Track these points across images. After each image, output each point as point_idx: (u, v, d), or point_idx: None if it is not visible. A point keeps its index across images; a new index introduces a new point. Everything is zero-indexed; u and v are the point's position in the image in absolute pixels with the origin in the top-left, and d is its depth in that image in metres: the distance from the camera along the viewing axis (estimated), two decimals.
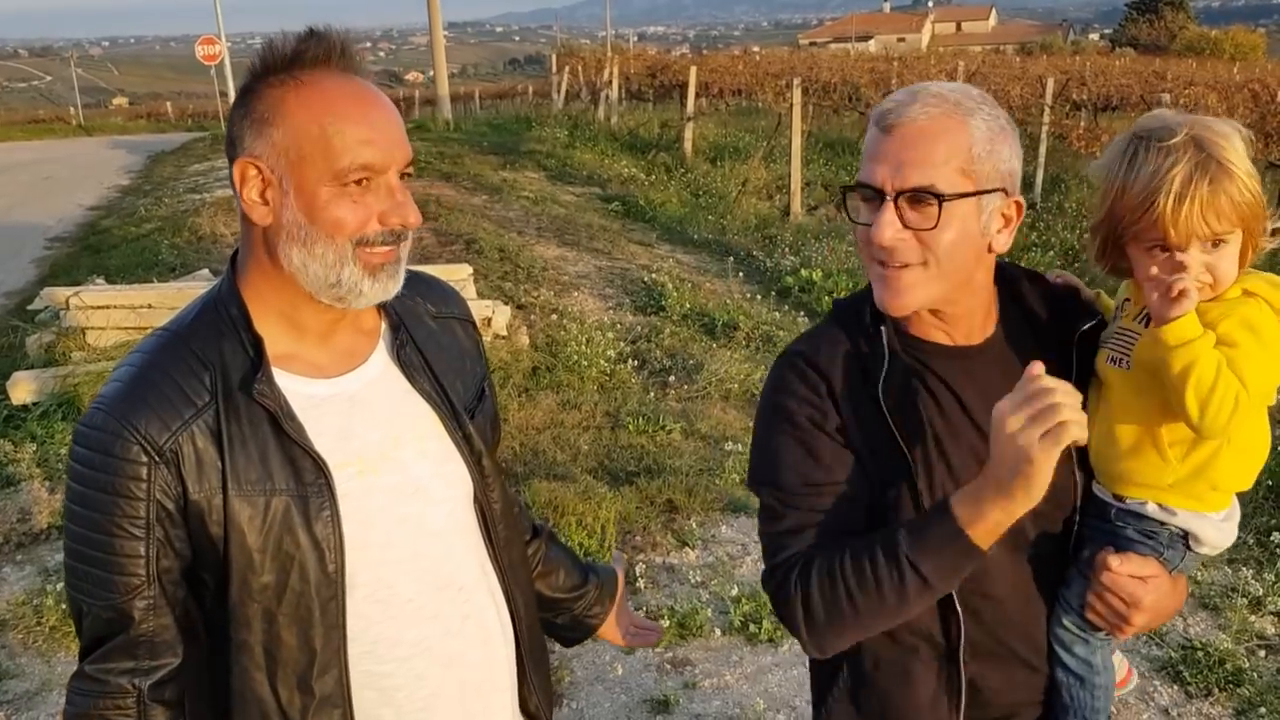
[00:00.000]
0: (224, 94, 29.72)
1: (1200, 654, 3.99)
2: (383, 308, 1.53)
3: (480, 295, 8.07)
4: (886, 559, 1.43)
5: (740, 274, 9.87)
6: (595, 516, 4.74)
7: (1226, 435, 1.39)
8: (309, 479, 1.38)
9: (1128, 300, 1.53)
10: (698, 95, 18.08)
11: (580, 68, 25.96)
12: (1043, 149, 14.50)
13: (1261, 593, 4.37)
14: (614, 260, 10.47)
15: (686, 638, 4.12)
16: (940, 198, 1.39)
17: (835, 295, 7.69)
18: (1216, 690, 3.82)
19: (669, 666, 3.94)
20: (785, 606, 1.53)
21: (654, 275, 9.51)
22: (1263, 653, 4.06)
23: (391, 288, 1.44)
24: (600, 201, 13.85)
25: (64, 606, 4.20)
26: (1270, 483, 5.25)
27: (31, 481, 5.28)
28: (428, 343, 1.59)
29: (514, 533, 1.68)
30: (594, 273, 9.95)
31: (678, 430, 6.11)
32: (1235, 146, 1.37)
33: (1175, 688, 3.87)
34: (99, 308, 6.93)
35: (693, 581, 4.51)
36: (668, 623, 4.12)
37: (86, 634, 1.39)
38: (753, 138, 17.69)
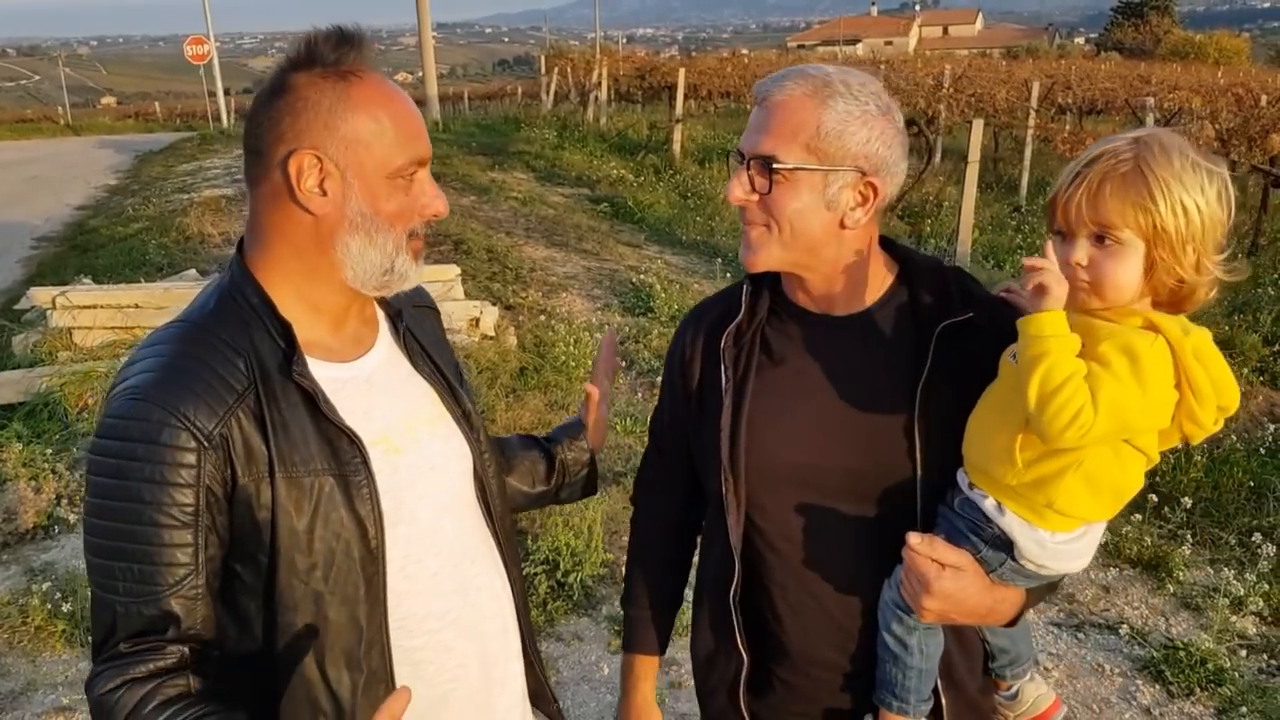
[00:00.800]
0: (212, 94, 29.64)
1: (1182, 654, 4.02)
2: (381, 298, 1.59)
3: (468, 296, 8.07)
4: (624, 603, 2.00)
5: (728, 275, 9.87)
6: (582, 517, 4.75)
7: (1077, 459, 1.38)
8: (346, 458, 1.42)
9: None
10: (686, 97, 18.11)
11: (569, 69, 25.94)
12: (1028, 152, 14.57)
13: (1243, 593, 4.41)
14: (602, 261, 10.48)
15: (672, 637, 4.11)
16: (773, 167, 1.52)
17: None
18: (1198, 690, 3.85)
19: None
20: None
21: (642, 276, 9.52)
22: (1244, 652, 4.10)
23: (421, 273, 1.52)
24: (589, 202, 13.85)
25: (49, 606, 4.20)
26: (1252, 484, 5.30)
27: (17, 481, 5.26)
28: (419, 329, 1.67)
29: (506, 506, 1.75)
30: (582, 273, 9.95)
31: None
32: (1172, 163, 1.34)
33: (1157, 687, 3.90)
34: (85, 307, 6.91)
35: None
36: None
37: (120, 632, 1.34)
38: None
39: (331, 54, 1.40)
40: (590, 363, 7.03)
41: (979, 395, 1.51)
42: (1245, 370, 6.86)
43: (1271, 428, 6.06)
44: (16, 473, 5.35)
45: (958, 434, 1.53)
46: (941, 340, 1.55)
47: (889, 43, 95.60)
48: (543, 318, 8.21)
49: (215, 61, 28.70)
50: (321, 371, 1.45)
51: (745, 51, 43.84)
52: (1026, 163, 14.47)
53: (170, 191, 14.42)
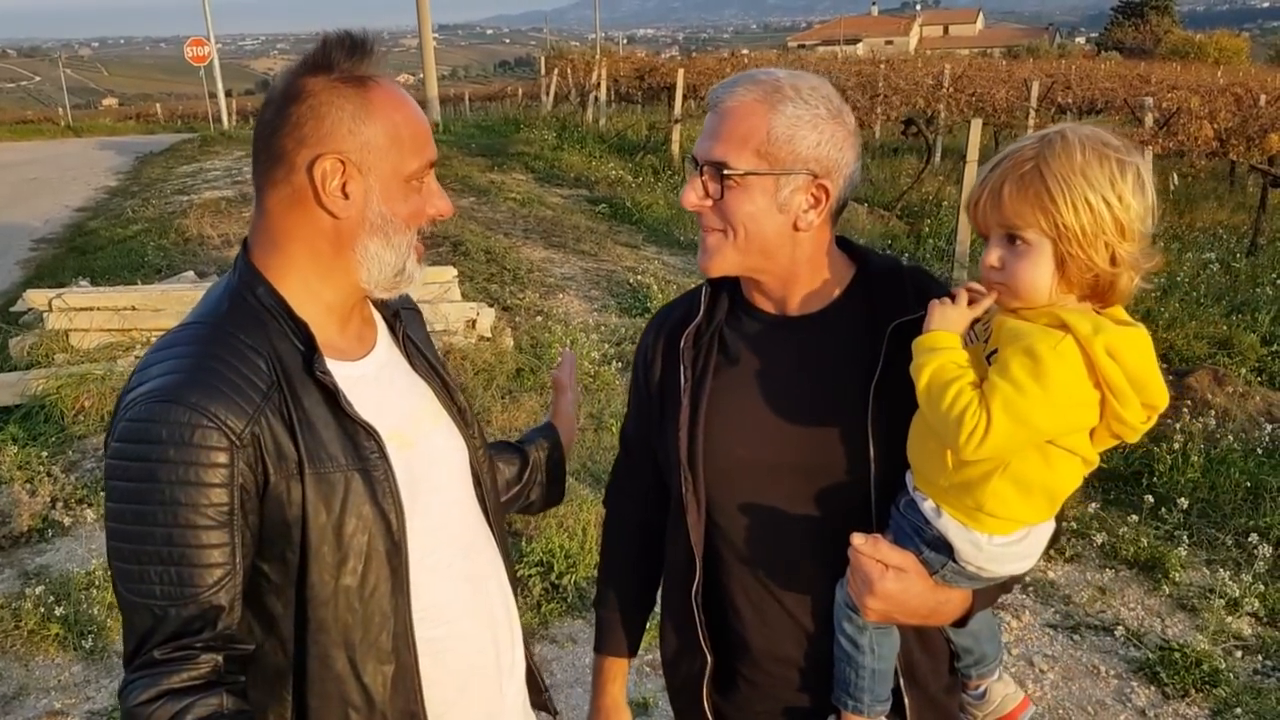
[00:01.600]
0: (213, 95, 29.63)
1: (1177, 655, 4.01)
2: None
3: (467, 297, 8.06)
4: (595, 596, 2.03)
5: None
6: (576, 519, 4.74)
7: (1001, 462, 1.38)
8: (366, 452, 1.45)
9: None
10: (686, 97, 18.09)
11: (569, 70, 25.95)
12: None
13: (1239, 594, 4.40)
14: (600, 262, 10.48)
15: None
16: (725, 173, 1.54)
17: None
18: (1193, 691, 3.84)
19: (648, 669, 3.94)
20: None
21: (639, 277, 9.52)
22: (1239, 653, 4.09)
23: (423, 274, 1.57)
24: (587, 203, 13.85)
25: (42, 610, 4.19)
26: (1249, 484, 5.29)
27: (12, 484, 5.26)
28: (411, 329, 1.71)
29: (498, 500, 1.80)
30: (580, 274, 9.95)
31: None
32: (1073, 159, 1.33)
33: (1152, 688, 3.89)
34: (82, 310, 6.91)
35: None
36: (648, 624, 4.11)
37: (157, 636, 1.32)
38: None
39: (346, 60, 1.43)
40: (585, 363, 7.02)
41: None
42: (1243, 370, 6.85)
43: (1269, 428, 6.04)
44: (11, 475, 5.35)
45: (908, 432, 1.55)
46: (894, 339, 1.56)
47: (889, 42, 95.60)
48: (540, 319, 8.21)
49: (216, 63, 28.69)
50: (334, 370, 1.47)
51: (745, 52, 43.84)
52: None
53: (170, 193, 14.42)
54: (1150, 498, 5.13)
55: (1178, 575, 4.62)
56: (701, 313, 1.72)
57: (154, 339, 6.64)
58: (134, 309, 6.93)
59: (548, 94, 24.85)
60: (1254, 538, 4.77)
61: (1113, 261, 1.36)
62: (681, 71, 18.14)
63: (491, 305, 8.15)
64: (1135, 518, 5.04)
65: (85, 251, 11.16)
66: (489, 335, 7.43)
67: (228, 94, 31.27)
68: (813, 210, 1.57)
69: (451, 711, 1.58)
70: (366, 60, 1.45)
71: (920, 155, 14.64)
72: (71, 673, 3.99)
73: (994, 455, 1.36)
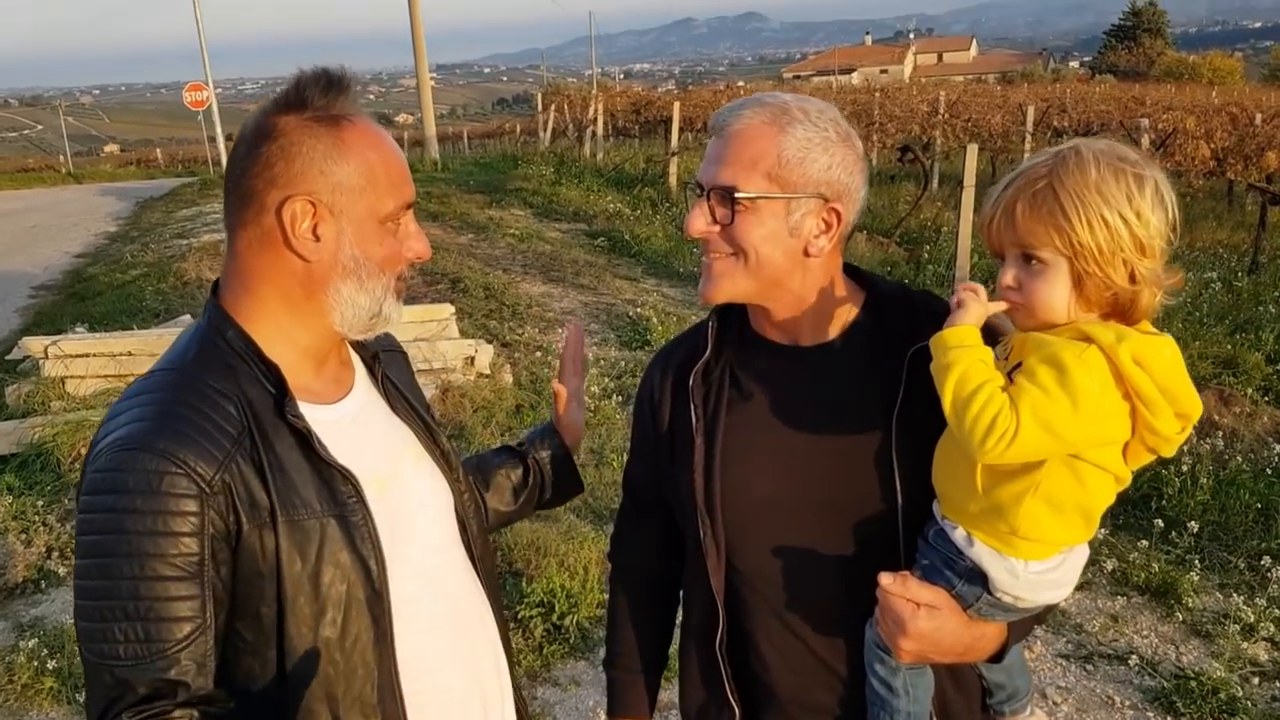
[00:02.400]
0: (212, 139, 29.81)
1: (1193, 683, 3.92)
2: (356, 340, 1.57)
3: (466, 334, 8.03)
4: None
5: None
6: (577, 557, 4.67)
7: (1033, 481, 1.33)
8: (342, 497, 1.39)
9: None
10: (682, 130, 18.15)
11: (566, 105, 26.09)
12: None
13: (1254, 619, 4.32)
14: (599, 296, 10.46)
15: (671, 679, 4.02)
16: (735, 198, 1.49)
17: None
18: None
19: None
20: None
21: (639, 310, 9.49)
22: (1256, 680, 4.00)
23: (402, 314, 1.51)
24: (586, 237, 13.85)
25: (36, 664, 4.12)
26: (1259, 506, 5.21)
27: (6, 535, 5.20)
28: (394, 371, 1.67)
29: (487, 546, 1.73)
30: (579, 309, 9.92)
31: None
32: (1087, 176, 1.30)
33: (1169, 718, 3.80)
34: (78, 356, 6.88)
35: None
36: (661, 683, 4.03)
37: (126, 699, 1.24)
38: None
39: (321, 98, 1.39)
40: (585, 398, 6.95)
41: None
42: (1249, 390, 6.78)
43: (1278, 448, 5.97)
44: (6, 525, 5.30)
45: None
46: (913, 365, 1.51)
47: (884, 71, 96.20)
48: (539, 354, 8.17)
49: (215, 107, 28.88)
50: (308, 413, 1.42)
51: (741, 84, 44.10)
52: None
53: (169, 237, 14.45)
54: (1160, 521, 5.05)
55: (1190, 601, 4.54)
56: (710, 347, 1.65)
57: None
58: (130, 354, 6.89)
59: (545, 130, 24.97)
60: (1266, 560, 4.69)
61: (1132, 279, 1.32)
62: (678, 104, 18.21)
63: (490, 341, 8.12)
64: (1145, 542, 4.96)
65: (84, 297, 11.16)
66: (488, 372, 7.39)
67: (227, 138, 31.40)
68: (824, 235, 1.53)
69: None
70: (342, 98, 1.40)
71: (918, 182, 14.64)
72: None
73: (1017, 460, 1.31)
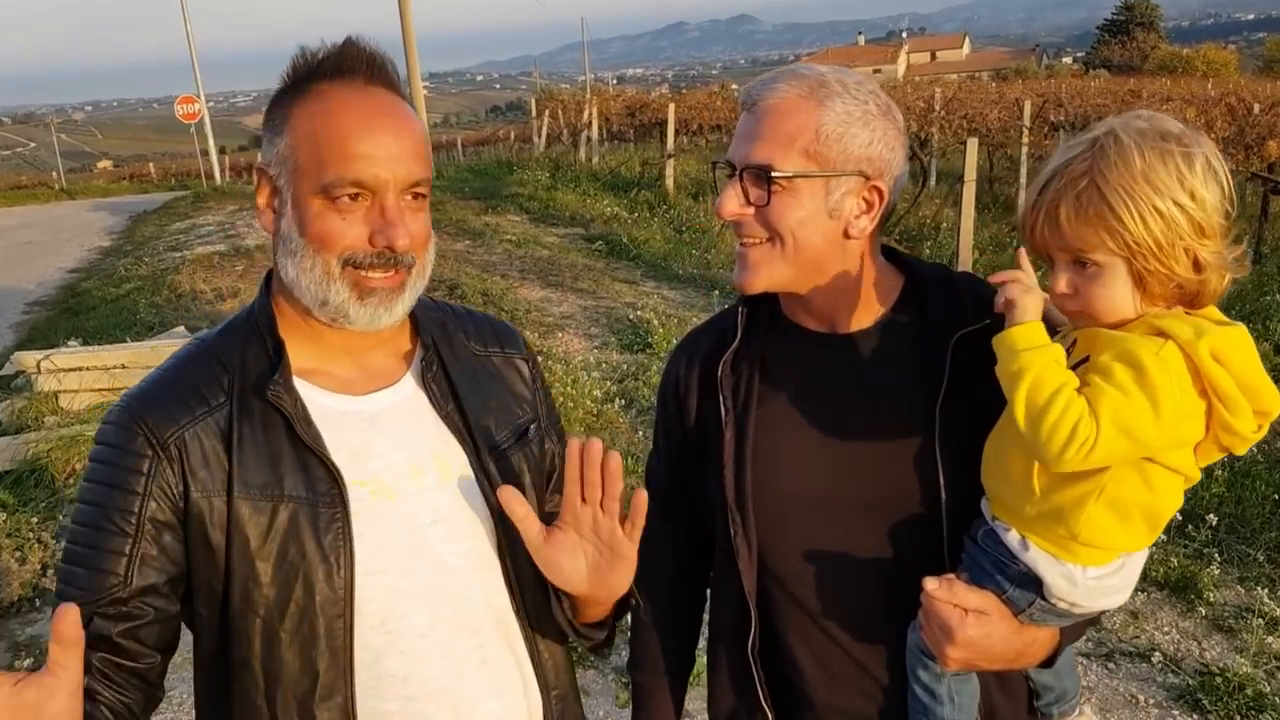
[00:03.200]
0: (205, 152, 29.75)
1: (1219, 680, 3.83)
2: (418, 333, 1.50)
3: None
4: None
5: (726, 307, 9.74)
6: None
7: (1097, 485, 1.24)
8: (321, 488, 1.33)
9: None
10: (677, 132, 18.11)
11: (560, 111, 26.04)
12: (1023, 170, 14.51)
13: (1277, 612, 4.23)
14: (599, 300, 10.38)
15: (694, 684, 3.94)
16: (771, 176, 1.39)
17: None
18: (1238, 717, 3.67)
19: None
20: None
21: (639, 313, 9.40)
22: None
23: (384, 316, 1.37)
24: (583, 241, 13.79)
25: None
26: (1276, 497, 5.13)
27: (0, 553, 5.10)
28: (461, 374, 1.51)
29: (542, 587, 1.46)
30: (579, 313, 9.84)
31: None
32: (1132, 166, 1.19)
33: (1195, 717, 3.72)
34: (71, 370, 6.80)
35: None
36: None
37: None
38: None
39: (299, 75, 1.38)
40: (587, 402, 6.87)
41: (1002, 410, 1.34)
42: None
43: None
44: (0, 543, 5.19)
45: (981, 454, 1.39)
46: (958, 352, 1.42)
47: (878, 70, 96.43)
48: (540, 358, 8.06)
49: (207, 119, 28.84)
50: (316, 398, 1.37)
51: (735, 86, 44.09)
52: (1022, 181, 14.37)
53: (163, 250, 14.38)
54: (1177, 515, 4.96)
55: (1211, 595, 4.45)
56: (739, 335, 1.55)
57: None
58: (124, 367, 6.81)
59: (539, 135, 24.91)
60: None
61: (1196, 266, 1.21)
62: (672, 107, 18.16)
63: None
64: (1163, 536, 4.87)
65: (78, 312, 11.09)
66: None
67: (220, 150, 31.44)
68: (865, 215, 1.43)
69: None
70: (318, 71, 1.36)
71: (915, 179, 14.59)
72: None
73: (1093, 466, 1.21)
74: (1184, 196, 1.19)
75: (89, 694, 1.22)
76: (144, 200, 25.25)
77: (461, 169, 25.26)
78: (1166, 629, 4.29)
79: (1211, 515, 4.90)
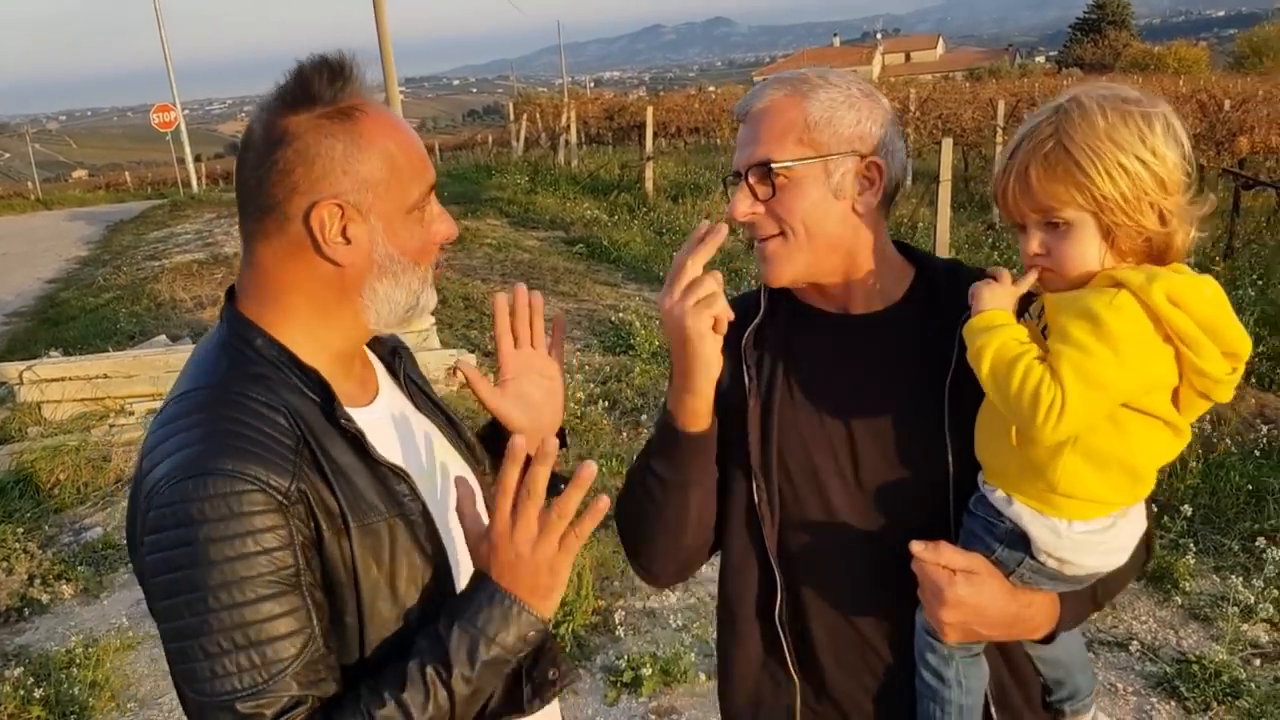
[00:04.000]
0: (181, 160, 29.60)
1: (1195, 667, 3.91)
2: (376, 338, 1.52)
3: (446, 344, 7.97)
4: (639, 468, 1.61)
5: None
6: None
7: (1066, 437, 1.29)
8: (400, 496, 1.34)
9: None
10: (656, 135, 18.16)
11: (538, 115, 26.06)
12: (998, 169, 14.56)
13: (1252, 600, 4.30)
14: (580, 302, 10.42)
15: (671, 684, 3.99)
16: (771, 168, 1.47)
17: None
18: (1215, 704, 3.74)
19: (653, 717, 3.81)
20: (617, 521, 1.70)
21: (621, 315, 9.45)
22: (1258, 661, 3.99)
23: (434, 300, 1.45)
24: (564, 245, 13.82)
25: (22, 693, 4.03)
26: (1250, 487, 5.22)
27: None
28: (411, 367, 1.60)
29: None
30: (561, 315, 9.85)
31: None
32: (1096, 125, 1.27)
33: (1173, 704, 3.78)
34: (53, 380, 6.78)
35: (675, 625, 4.39)
36: (650, 671, 3.99)
37: None
38: (712, 174, 17.76)
39: (328, 91, 1.30)
40: (570, 404, 6.89)
41: None
42: None
43: (1265, 429, 5.98)
44: None
45: None
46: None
47: (853, 71, 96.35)
48: None
49: (183, 128, 28.72)
50: (354, 416, 1.37)
51: (712, 88, 44.21)
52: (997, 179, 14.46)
53: (141, 259, 14.33)
54: (1152, 505, 5.03)
55: (1187, 584, 4.53)
56: (762, 312, 1.62)
57: (129, 406, 6.46)
58: (106, 377, 6.80)
59: (518, 139, 24.93)
60: (1260, 541, 4.68)
61: (1162, 220, 1.29)
62: (650, 109, 18.23)
63: (472, 351, 8.05)
64: None
65: (57, 322, 11.05)
66: None
67: (196, 159, 31.28)
68: (869, 191, 1.50)
69: None
70: (349, 86, 1.31)
71: None
72: None
73: (1077, 429, 1.27)
74: (1146, 153, 1.27)
75: None
76: (121, 209, 25.09)
77: (440, 174, 25.13)
78: (1144, 618, 4.36)
79: (1186, 506, 4.98)
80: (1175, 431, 1.32)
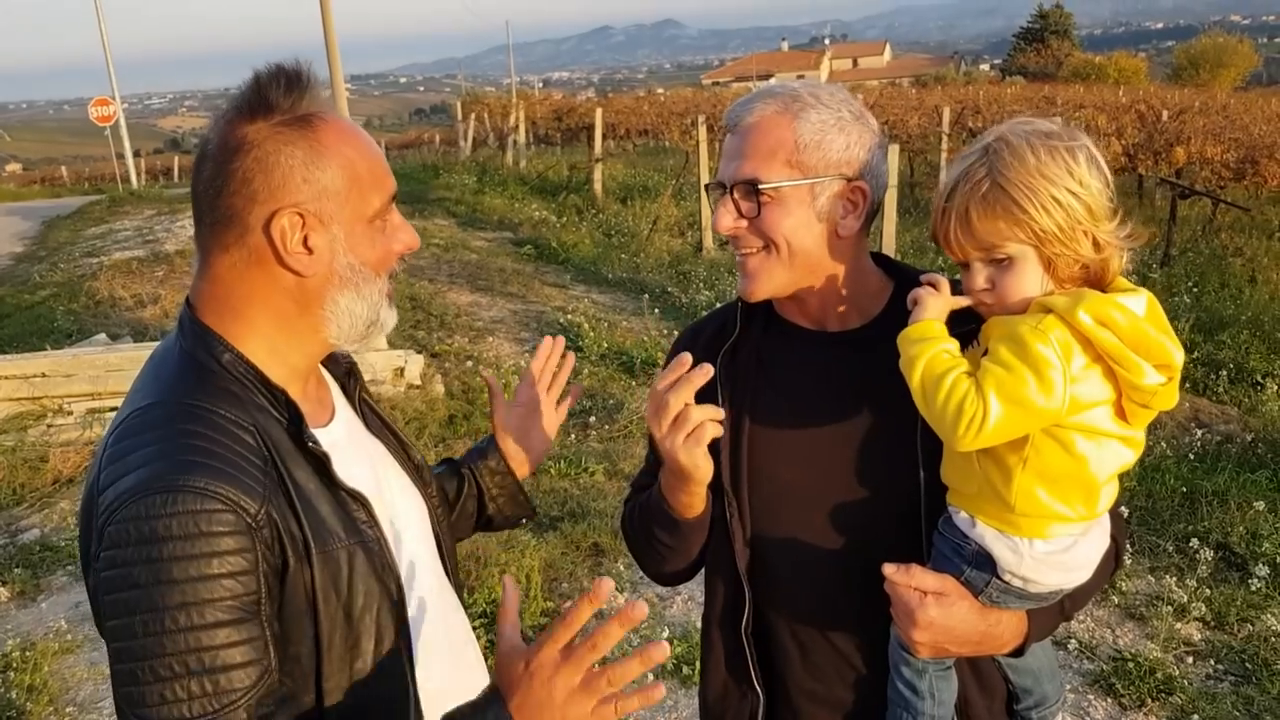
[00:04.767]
0: (120, 155, 29.03)
1: (1131, 665, 4.00)
2: (331, 357, 1.51)
3: (392, 345, 7.90)
4: (640, 528, 1.69)
5: (656, 311, 9.84)
6: (519, 566, 4.61)
7: (1020, 457, 1.34)
8: (359, 524, 1.33)
9: None
10: (605, 137, 18.17)
11: (486, 114, 25.93)
12: (943, 176, 14.80)
13: (1185, 599, 4.42)
14: (528, 304, 10.39)
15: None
16: (759, 188, 1.49)
17: None
18: (1149, 700, 3.83)
19: None
20: (626, 541, 1.80)
21: (569, 316, 9.44)
22: (1191, 659, 4.10)
23: (394, 317, 1.43)
24: (512, 246, 13.77)
25: None
26: (1184, 490, 5.35)
27: None
28: (362, 386, 1.59)
29: (455, 559, 1.66)
30: (509, 317, 9.84)
31: (600, 471, 6.02)
32: (1026, 162, 1.32)
33: (1109, 700, 3.87)
34: None
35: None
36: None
37: None
38: (661, 176, 17.80)
39: (285, 100, 1.28)
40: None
41: None
42: None
43: (1199, 433, 6.14)
44: None
45: None
46: None
47: (801, 76, 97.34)
48: (470, 363, 8.07)
49: (122, 122, 28.14)
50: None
51: (661, 91, 44.32)
52: None
53: (79, 256, 14.00)
54: (1122, 512, 5.13)
55: (1124, 584, 4.64)
56: (739, 327, 1.64)
57: (67, 406, 6.32)
58: (45, 375, 6.66)
59: (465, 139, 24.79)
60: (1194, 543, 4.81)
61: (1096, 246, 1.35)
62: (600, 111, 18.22)
63: (419, 352, 8.00)
64: None
65: None
66: (418, 383, 7.28)
67: (135, 154, 30.70)
68: (851, 215, 1.53)
69: None
70: (307, 95, 1.30)
71: None
72: None
73: (998, 441, 1.32)
74: (1075, 184, 1.33)
75: None
76: (57, 205, 24.50)
77: None
78: (1082, 618, 4.45)
79: (1123, 508, 5.08)
80: (1125, 441, 1.36)
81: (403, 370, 7.23)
